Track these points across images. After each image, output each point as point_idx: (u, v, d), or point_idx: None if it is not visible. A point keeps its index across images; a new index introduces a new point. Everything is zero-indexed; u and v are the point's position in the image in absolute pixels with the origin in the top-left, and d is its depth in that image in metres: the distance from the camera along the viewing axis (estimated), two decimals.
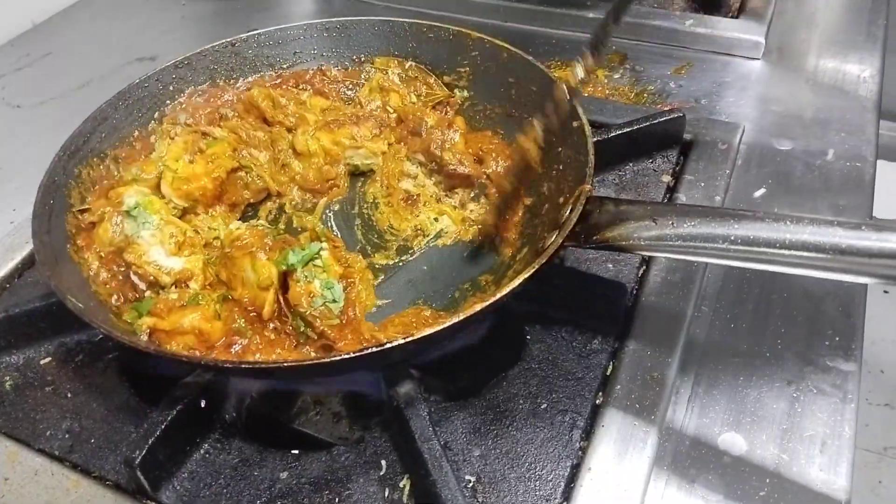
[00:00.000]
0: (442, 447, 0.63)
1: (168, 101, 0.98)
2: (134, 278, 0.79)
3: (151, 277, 0.79)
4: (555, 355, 0.74)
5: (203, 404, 0.68)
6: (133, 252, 0.79)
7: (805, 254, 0.57)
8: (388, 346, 0.60)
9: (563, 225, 0.69)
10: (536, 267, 0.65)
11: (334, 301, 0.73)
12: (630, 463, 0.64)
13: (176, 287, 0.79)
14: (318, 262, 0.76)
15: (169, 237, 0.81)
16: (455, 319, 0.62)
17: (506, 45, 0.94)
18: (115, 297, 0.78)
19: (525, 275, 0.64)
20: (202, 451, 0.69)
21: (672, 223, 0.64)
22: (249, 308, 0.75)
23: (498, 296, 0.63)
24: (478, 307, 0.63)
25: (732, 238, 0.61)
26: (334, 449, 0.68)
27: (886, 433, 1.98)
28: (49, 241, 0.77)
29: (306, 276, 0.74)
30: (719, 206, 0.66)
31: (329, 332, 0.72)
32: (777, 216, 0.59)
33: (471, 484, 0.65)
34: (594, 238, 0.68)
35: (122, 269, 0.80)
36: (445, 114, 0.99)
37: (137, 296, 0.79)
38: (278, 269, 0.74)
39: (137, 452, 0.63)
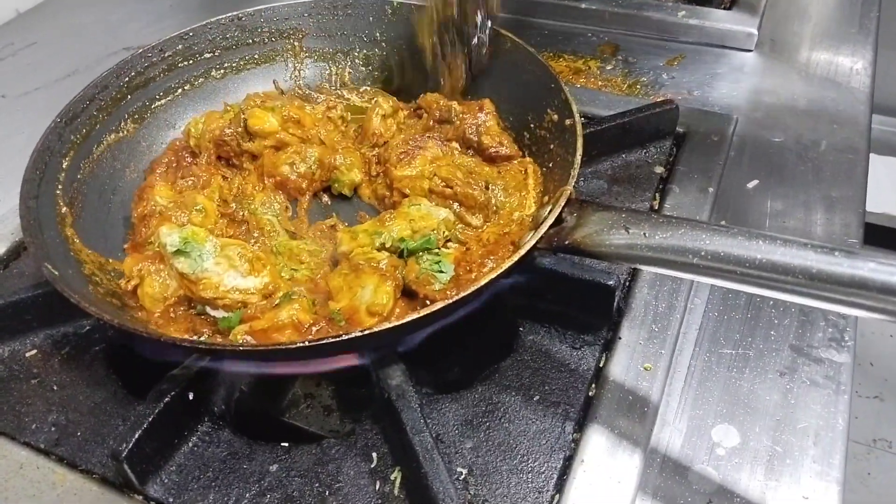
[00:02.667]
0: (433, 439, 0.62)
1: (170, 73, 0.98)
2: (214, 312, 0.74)
3: (239, 304, 0.74)
4: (547, 347, 0.74)
5: (191, 397, 0.67)
6: (207, 287, 0.73)
7: (775, 275, 0.55)
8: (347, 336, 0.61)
9: (539, 226, 0.68)
10: (505, 267, 0.65)
11: (441, 272, 0.73)
12: (623, 455, 0.64)
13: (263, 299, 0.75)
14: (436, 250, 0.76)
15: (239, 258, 0.74)
16: (415, 315, 0.62)
17: (510, 35, 0.93)
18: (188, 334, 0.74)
19: (493, 275, 0.64)
20: (190, 444, 0.68)
21: (644, 233, 0.62)
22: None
23: (462, 294, 0.63)
24: (438, 305, 0.63)
25: (703, 253, 0.59)
26: (324, 441, 0.68)
27: (876, 425, 1.99)
28: (35, 208, 0.76)
29: (421, 258, 0.75)
30: (696, 220, 0.65)
31: (430, 295, 0.72)
32: (751, 233, 0.58)
33: (463, 476, 0.64)
34: (566, 242, 0.67)
35: (187, 310, 0.76)
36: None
37: (210, 328, 0.74)
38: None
39: (124, 446, 0.62)
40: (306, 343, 0.62)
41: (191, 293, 0.74)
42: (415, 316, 0.62)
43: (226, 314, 0.74)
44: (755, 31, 1.14)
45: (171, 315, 0.75)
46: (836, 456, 0.64)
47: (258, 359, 0.69)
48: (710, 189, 0.88)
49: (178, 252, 0.73)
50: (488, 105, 0.91)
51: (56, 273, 0.69)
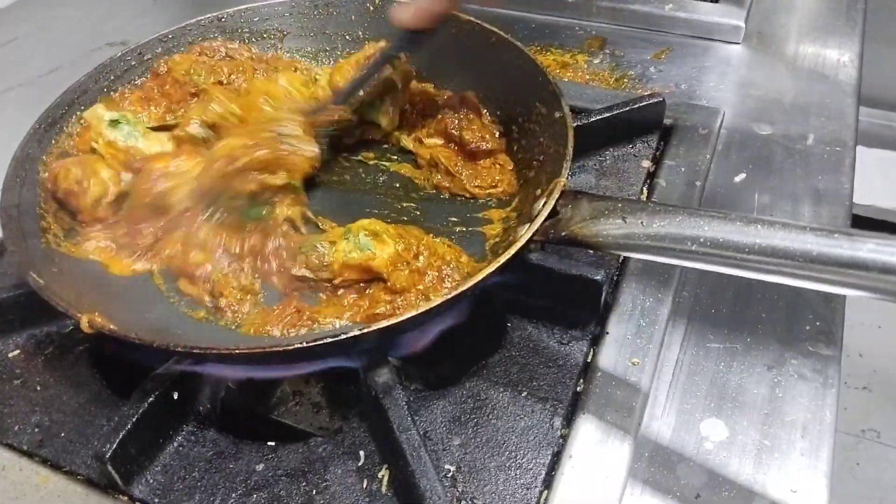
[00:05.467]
0: (421, 437, 0.62)
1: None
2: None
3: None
4: (535, 342, 0.73)
5: (176, 396, 0.67)
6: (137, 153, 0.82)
7: (774, 260, 0.55)
8: (343, 336, 0.60)
9: (535, 219, 0.68)
10: (501, 262, 0.64)
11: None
12: (611, 450, 0.64)
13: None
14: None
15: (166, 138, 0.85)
16: (412, 313, 0.61)
17: (495, 30, 0.93)
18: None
19: (488, 270, 0.63)
20: (175, 444, 0.67)
21: (642, 222, 0.62)
22: None
23: (457, 291, 0.62)
24: (436, 301, 0.62)
25: (701, 240, 0.58)
26: (311, 440, 0.67)
27: (864, 416, 2.00)
28: (17, 216, 0.75)
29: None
30: (693, 207, 0.64)
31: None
32: (749, 218, 0.58)
33: (450, 473, 0.64)
34: (563, 234, 0.67)
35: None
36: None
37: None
38: None
39: (108, 446, 0.61)
40: (304, 345, 0.61)
41: (120, 162, 0.81)
42: (414, 312, 0.62)
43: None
44: (742, 24, 1.14)
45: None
46: (823, 449, 0.64)
47: (248, 362, 0.68)
48: (698, 183, 0.88)
49: (114, 122, 0.83)
50: (471, 98, 0.90)
51: (41, 282, 0.68)
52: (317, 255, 0.74)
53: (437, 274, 0.75)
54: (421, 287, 0.73)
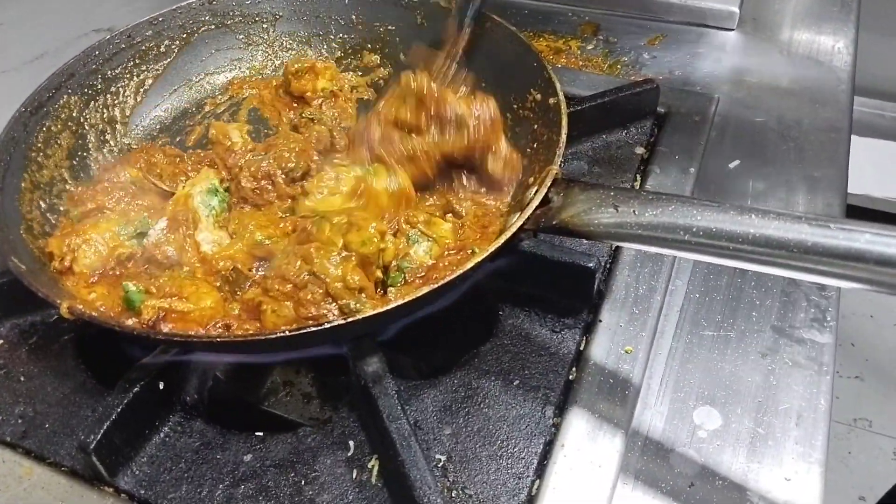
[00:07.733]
0: (411, 426, 0.61)
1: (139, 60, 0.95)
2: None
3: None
4: (527, 331, 0.73)
5: (162, 386, 0.66)
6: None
7: (769, 250, 0.54)
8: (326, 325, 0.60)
9: (526, 207, 0.67)
10: (491, 250, 0.63)
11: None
12: (604, 439, 0.63)
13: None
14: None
15: (225, 228, 0.79)
16: (399, 302, 0.61)
17: (490, 15, 0.91)
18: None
19: (479, 258, 0.63)
20: (162, 435, 0.66)
21: (634, 211, 0.61)
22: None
23: (447, 279, 0.62)
24: (424, 290, 0.61)
25: (694, 230, 0.57)
26: (300, 430, 0.66)
27: (856, 405, 2.01)
28: (0, 200, 0.74)
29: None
30: (686, 196, 0.63)
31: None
32: (743, 208, 0.57)
33: (441, 463, 0.63)
34: (554, 223, 0.66)
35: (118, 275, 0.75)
36: None
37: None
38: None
39: (92, 437, 0.60)
40: (287, 333, 0.60)
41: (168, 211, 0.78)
42: (400, 301, 0.61)
43: (136, 288, 0.71)
44: (737, 10, 1.13)
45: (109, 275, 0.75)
46: (818, 437, 0.64)
47: (234, 351, 0.68)
48: (692, 169, 0.87)
49: (212, 192, 0.80)
50: (497, 121, 0.79)
51: (23, 267, 0.67)
52: (412, 269, 0.73)
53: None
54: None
